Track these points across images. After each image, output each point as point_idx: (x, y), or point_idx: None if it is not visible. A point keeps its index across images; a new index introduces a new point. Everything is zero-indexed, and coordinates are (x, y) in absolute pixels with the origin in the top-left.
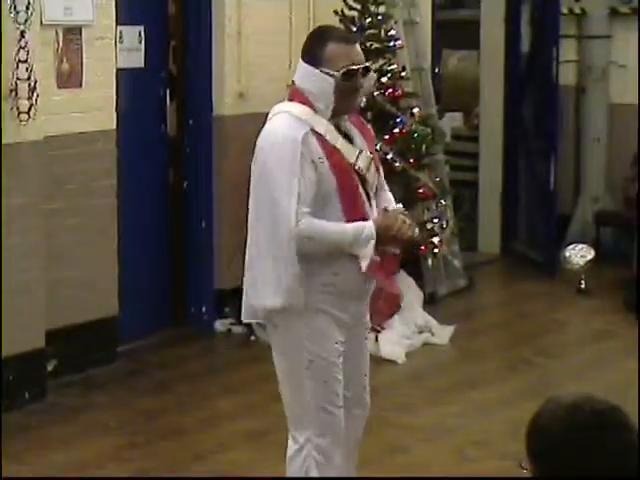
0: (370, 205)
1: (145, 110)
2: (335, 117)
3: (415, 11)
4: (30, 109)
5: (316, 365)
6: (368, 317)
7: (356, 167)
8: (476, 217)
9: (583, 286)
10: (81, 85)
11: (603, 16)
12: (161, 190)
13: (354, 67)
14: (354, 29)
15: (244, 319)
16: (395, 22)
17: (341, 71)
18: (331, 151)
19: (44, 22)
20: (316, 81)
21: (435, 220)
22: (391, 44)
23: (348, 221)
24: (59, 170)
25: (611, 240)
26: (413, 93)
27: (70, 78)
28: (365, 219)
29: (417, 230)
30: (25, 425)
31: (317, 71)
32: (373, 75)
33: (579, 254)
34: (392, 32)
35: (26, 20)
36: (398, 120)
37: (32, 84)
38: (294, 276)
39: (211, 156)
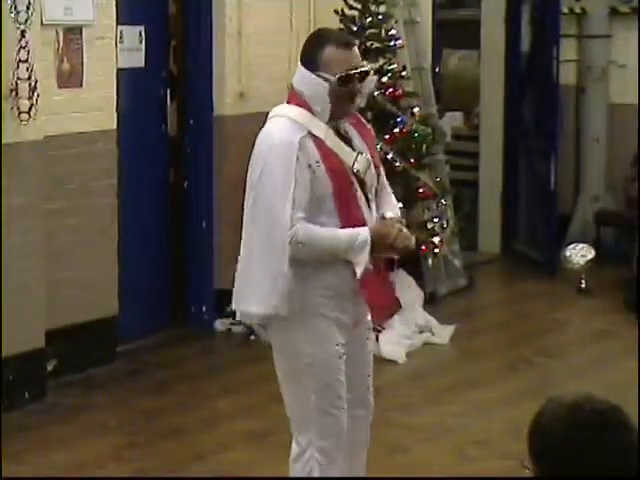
0: (369, 207)
1: (145, 110)
2: (333, 120)
3: (415, 10)
4: (30, 109)
5: (317, 367)
6: (369, 317)
7: (354, 170)
8: (476, 217)
9: (583, 286)
10: (81, 85)
11: (603, 16)
12: (161, 190)
13: (350, 72)
14: (354, 29)
15: (239, 319)
16: (395, 21)
17: (337, 76)
18: (328, 154)
19: (44, 22)
20: (312, 85)
21: (435, 220)
22: (391, 43)
23: (344, 226)
24: (59, 170)
25: (611, 240)
26: (413, 93)
27: (70, 78)
28: (363, 223)
29: (413, 240)
30: (25, 425)
31: (313, 75)
32: (373, 78)
33: (579, 254)
34: (392, 31)
35: (26, 20)
36: (398, 120)
37: (32, 84)
38: (284, 282)
39: (211, 156)
